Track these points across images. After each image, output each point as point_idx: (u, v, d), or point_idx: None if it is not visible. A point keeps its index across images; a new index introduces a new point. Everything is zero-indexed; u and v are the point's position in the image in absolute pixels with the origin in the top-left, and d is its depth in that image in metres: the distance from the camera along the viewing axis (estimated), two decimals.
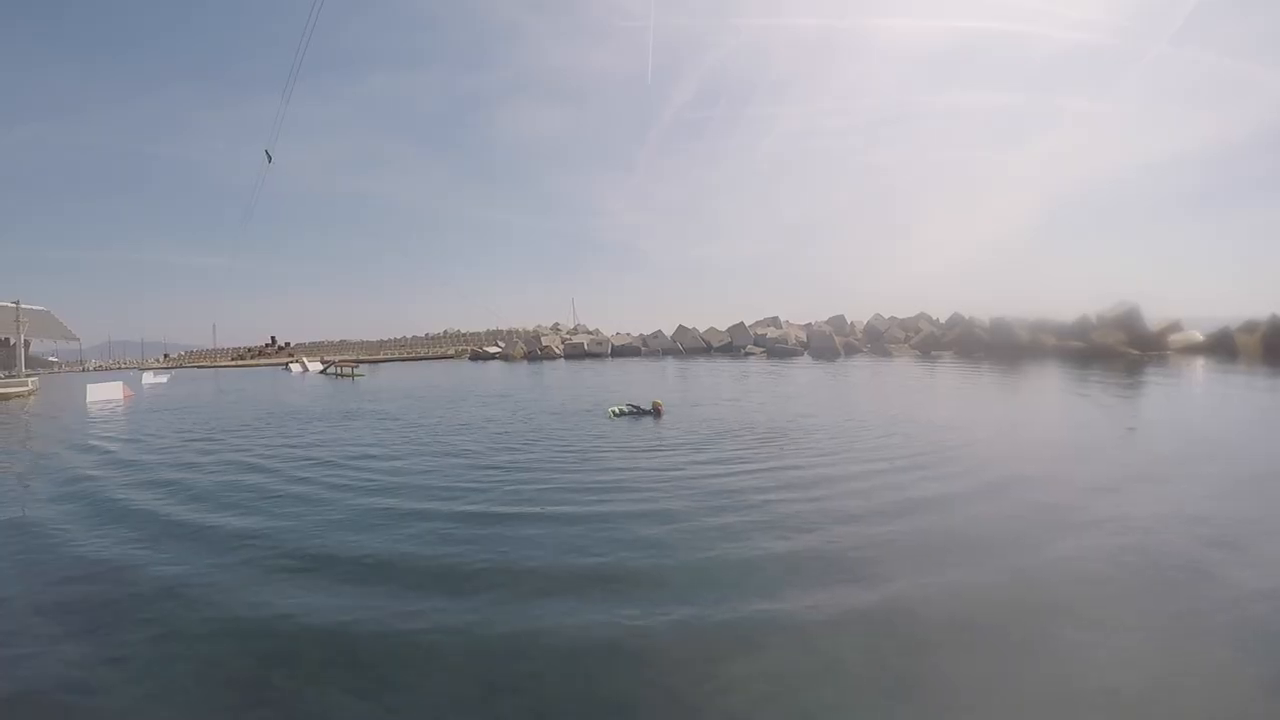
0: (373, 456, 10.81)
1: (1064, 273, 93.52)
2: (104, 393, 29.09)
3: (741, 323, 56.68)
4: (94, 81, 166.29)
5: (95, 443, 15.06)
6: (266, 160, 36.10)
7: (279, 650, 4.14)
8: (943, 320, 48.58)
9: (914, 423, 13.17)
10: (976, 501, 7.38)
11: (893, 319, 51.38)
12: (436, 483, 8.52)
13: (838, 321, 53.71)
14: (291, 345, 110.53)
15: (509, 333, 76.74)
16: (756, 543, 6.01)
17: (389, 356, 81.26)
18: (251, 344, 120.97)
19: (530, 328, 75.55)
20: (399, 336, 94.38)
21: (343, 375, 43.61)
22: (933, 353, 44.27)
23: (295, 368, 61.23)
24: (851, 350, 47.37)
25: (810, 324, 55.29)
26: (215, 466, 10.82)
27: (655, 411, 15.66)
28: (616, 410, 16.26)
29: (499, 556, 5.61)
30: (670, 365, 41.96)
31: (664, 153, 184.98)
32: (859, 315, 54.37)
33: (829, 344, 47.59)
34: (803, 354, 47.94)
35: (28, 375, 45.92)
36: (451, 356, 75.63)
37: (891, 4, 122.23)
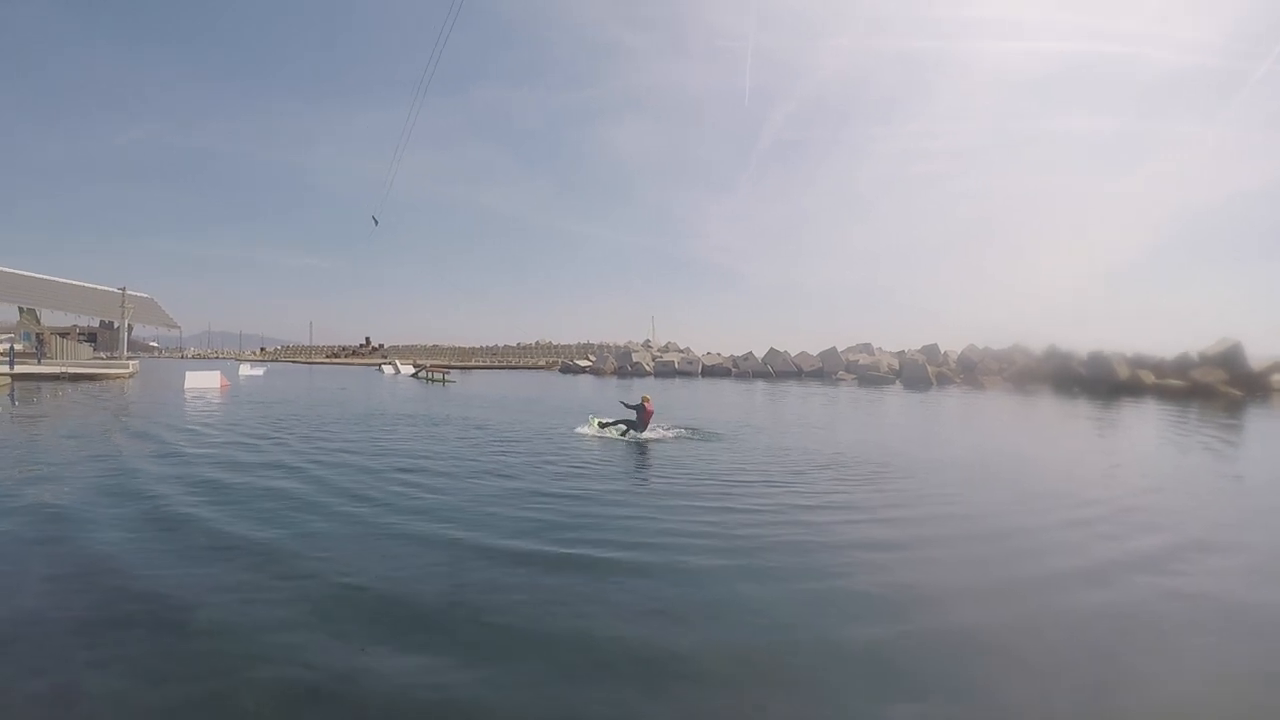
0: (451, 473, 9.87)
1: (1165, 306, 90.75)
2: (202, 380, 30.22)
3: (834, 348, 58.29)
4: (211, 90, 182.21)
5: (190, 427, 15.52)
6: (373, 224, 41.17)
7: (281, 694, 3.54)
8: (1039, 353, 49.29)
9: (1027, 463, 12.48)
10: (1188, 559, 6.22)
11: (986, 350, 52.12)
12: (510, 509, 7.58)
13: (931, 350, 54.80)
14: (385, 347, 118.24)
15: (600, 347, 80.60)
16: (906, 622, 4.64)
17: (480, 363, 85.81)
18: (346, 343, 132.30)
19: (622, 343, 79.25)
20: (491, 344, 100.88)
21: (434, 380, 44.13)
22: (1027, 386, 44.44)
23: (388, 369, 63.25)
24: (944, 380, 48.48)
25: (903, 352, 56.69)
26: (298, 465, 10.47)
27: (642, 409, 14.52)
28: (601, 422, 15.50)
29: (556, 613, 4.61)
30: (760, 388, 42.86)
31: (761, 173, 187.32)
32: (952, 345, 55.18)
33: (921, 373, 48.97)
34: (894, 382, 49.29)
35: (129, 358, 49.80)
36: (542, 367, 79.05)
37: (997, 27, 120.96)
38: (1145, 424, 21.81)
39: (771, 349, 60.84)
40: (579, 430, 15.52)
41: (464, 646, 4.12)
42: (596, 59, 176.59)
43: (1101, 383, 42.57)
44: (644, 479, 9.87)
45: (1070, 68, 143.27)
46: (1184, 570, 5.97)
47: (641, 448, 13.17)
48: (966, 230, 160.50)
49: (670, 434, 14.98)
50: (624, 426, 14.79)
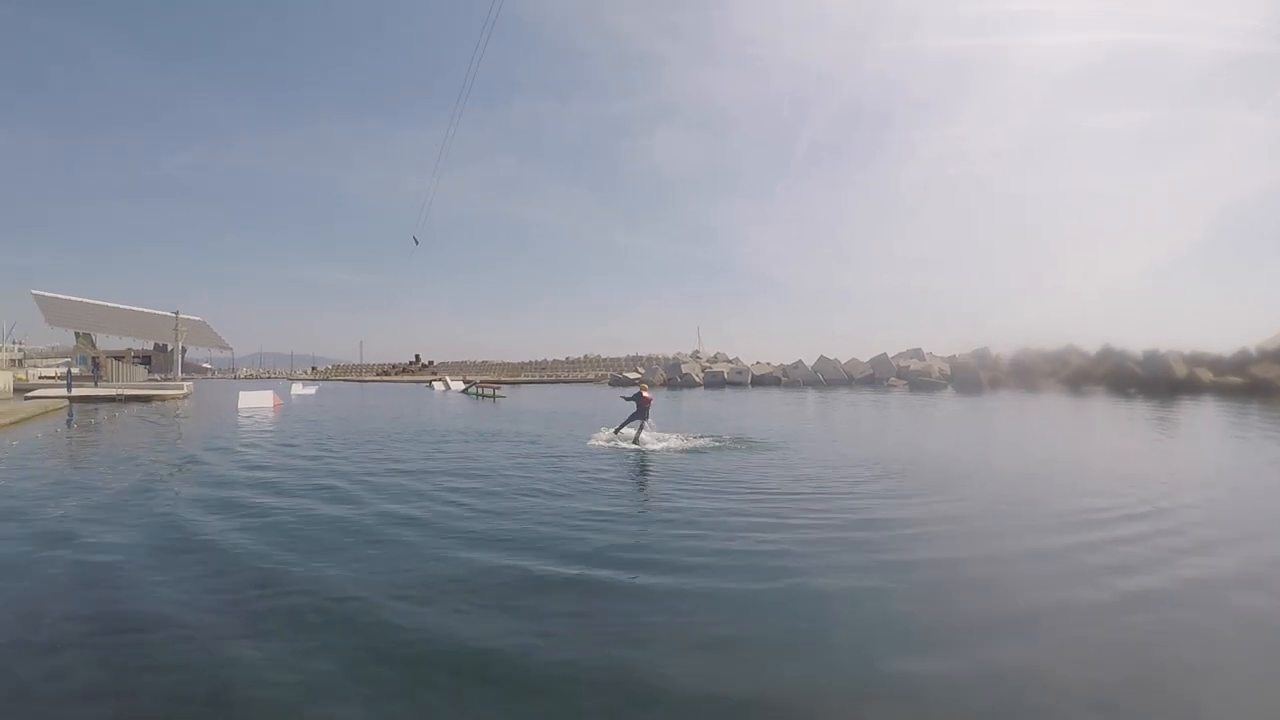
0: (500, 492, 9.53)
1: (1220, 300, 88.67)
2: (255, 400, 30.64)
3: (884, 354, 59.07)
4: (255, 111, 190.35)
5: (241, 448, 15.50)
6: (414, 243, 43.39)
7: None
8: (1092, 353, 49.49)
9: (1101, 470, 11.84)
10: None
11: (1039, 352, 52.23)
12: (561, 529, 7.27)
13: (981, 354, 54.89)
14: (435, 364, 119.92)
15: (649, 359, 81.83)
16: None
17: (529, 378, 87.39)
18: (396, 361, 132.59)
19: (670, 355, 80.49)
20: (539, 359, 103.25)
21: (484, 395, 44.10)
22: (1082, 388, 44.68)
23: (438, 386, 63.49)
24: (996, 384, 48.73)
25: (953, 356, 57.15)
26: (350, 483, 10.33)
27: (640, 397, 15.39)
28: (615, 429, 15.95)
29: (612, 644, 4.31)
30: (811, 396, 43.07)
31: (801, 179, 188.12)
32: (1003, 348, 54.86)
33: (973, 378, 49.60)
34: (946, 387, 49.81)
35: (183, 379, 52.23)
36: (591, 381, 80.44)
37: (1033, 21, 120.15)
38: (1207, 424, 21.70)
39: (822, 356, 61.88)
40: (590, 443, 15.53)
41: (519, 688, 3.79)
42: (632, 70, 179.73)
43: (1158, 382, 42.60)
44: (700, 494, 9.44)
45: (1109, 59, 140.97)
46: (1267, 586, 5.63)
47: (696, 460, 12.84)
48: (1011, 230, 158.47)
49: (715, 444, 15.11)
50: (635, 424, 15.49)
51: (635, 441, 15.08)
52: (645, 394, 15.62)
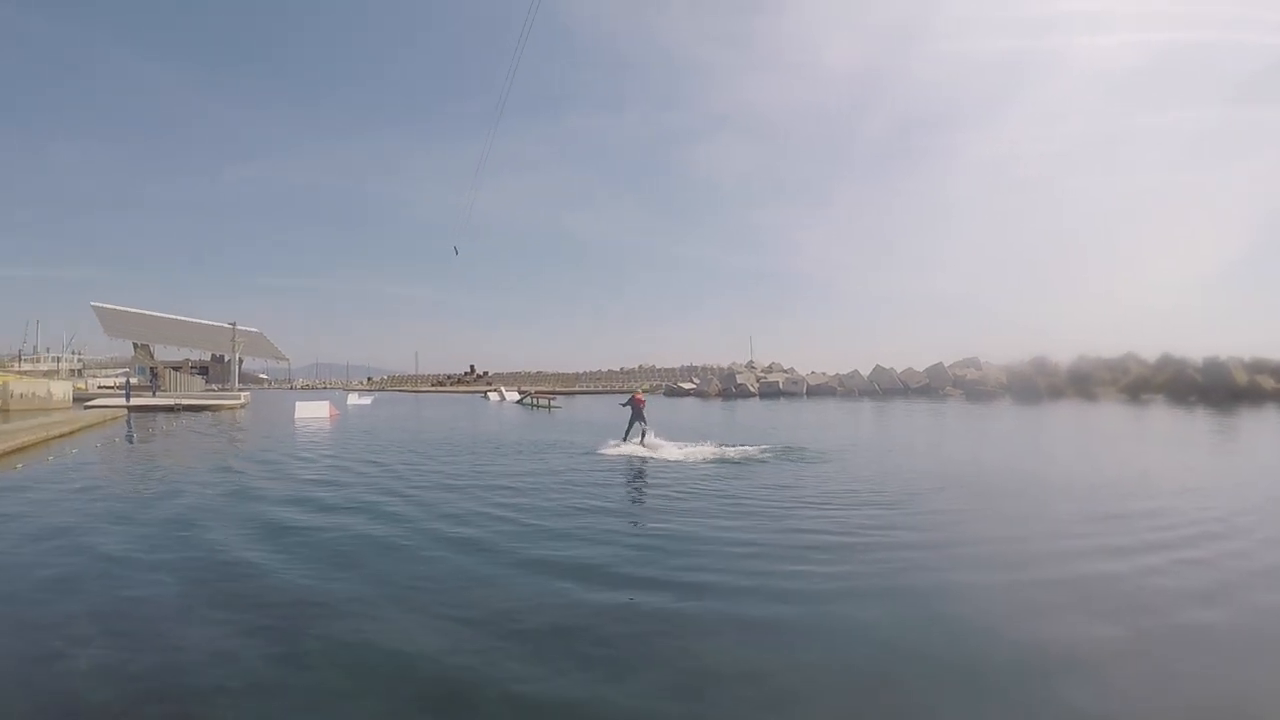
0: (552, 508, 9.25)
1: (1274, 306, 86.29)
2: (312, 410, 30.95)
3: (940, 363, 59.44)
4: (312, 125, 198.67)
5: (303, 455, 15.90)
6: (454, 253, 44.87)
7: None
8: (1151, 361, 49.55)
9: (1173, 485, 11.22)
10: None
11: (1097, 360, 52.19)
12: (613, 547, 7.01)
13: (1039, 362, 54.98)
14: (489, 374, 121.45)
15: (704, 369, 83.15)
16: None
17: (583, 389, 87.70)
18: (451, 371, 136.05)
19: (725, 364, 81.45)
20: (594, 370, 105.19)
21: (538, 406, 44.20)
22: (1142, 396, 44.87)
23: (493, 396, 63.62)
24: (1055, 393, 48.92)
25: (1010, 365, 57.02)
26: (405, 494, 10.36)
27: (633, 401, 16.51)
28: (625, 437, 16.51)
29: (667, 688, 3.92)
30: (866, 406, 42.61)
31: (853, 185, 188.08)
32: (1061, 356, 54.84)
33: (1031, 386, 50.03)
34: (1003, 396, 50.02)
35: (240, 390, 51.00)
36: (647, 391, 79.51)
37: (1085, 20, 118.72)
38: (1274, 434, 21.74)
39: (877, 366, 62.67)
40: (601, 451, 15.90)
41: None
42: (682, 79, 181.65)
43: (1219, 390, 42.73)
44: (753, 509, 9.09)
45: (1162, 57, 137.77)
46: None
47: (752, 472, 12.64)
48: (1066, 235, 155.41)
49: (769, 455, 15.10)
50: (637, 427, 16.27)
51: (642, 443, 15.98)
52: (639, 398, 16.81)
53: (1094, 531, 7.94)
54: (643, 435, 16.26)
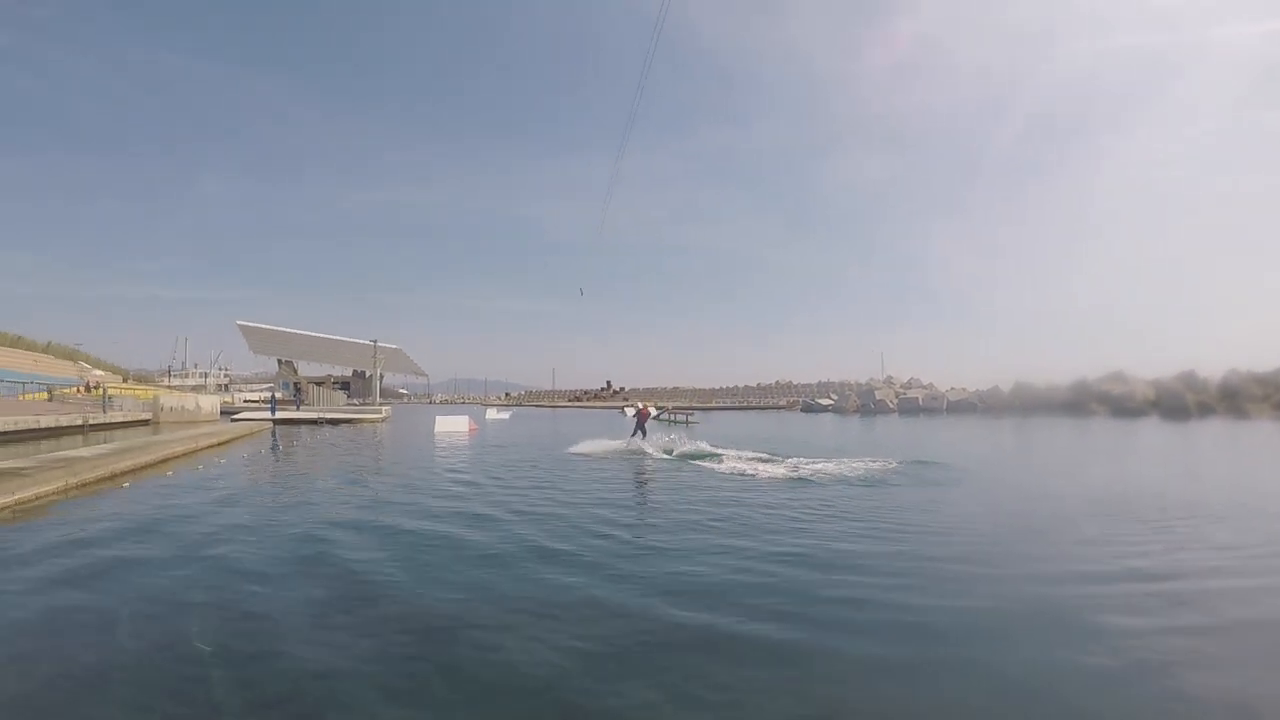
0: (694, 525, 9.05)
1: None
2: (452, 425, 31.99)
3: (1084, 379, 58.72)
4: (445, 149, 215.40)
5: (445, 468, 16.17)
6: (580, 294, 49.62)
7: None
8: None
9: None
10: None
11: (1250, 374, 50.65)
12: (736, 574, 6.55)
13: (1188, 377, 53.81)
14: (625, 389, 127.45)
15: (841, 385, 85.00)
16: None
17: (720, 404, 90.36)
18: (587, 387, 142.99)
19: (862, 380, 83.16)
20: (730, 385, 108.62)
21: (675, 421, 44.68)
22: None
23: (629, 411, 63.05)
24: (1204, 410, 48.24)
25: (1157, 380, 55.89)
26: (543, 509, 10.33)
27: (638, 413, 21.18)
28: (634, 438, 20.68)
29: None
30: (1007, 424, 41.92)
31: (990, 192, 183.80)
32: (1211, 370, 53.54)
33: (1179, 403, 49.67)
34: (1150, 414, 49.62)
35: (381, 404, 52.73)
36: (783, 407, 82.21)
37: (1228, 8, 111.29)
38: None
39: (1018, 382, 62.63)
40: (617, 445, 20.21)
41: None
42: (816, 91, 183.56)
43: None
44: (896, 534, 8.61)
45: None
46: None
47: (885, 493, 12.10)
48: (1214, 240, 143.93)
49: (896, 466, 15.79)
50: (638, 433, 21.13)
51: (640, 440, 20.63)
52: (643, 410, 22.01)
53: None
54: (642, 436, 21.22)
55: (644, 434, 21.38)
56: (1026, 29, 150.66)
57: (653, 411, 22.70)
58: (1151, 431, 34.08)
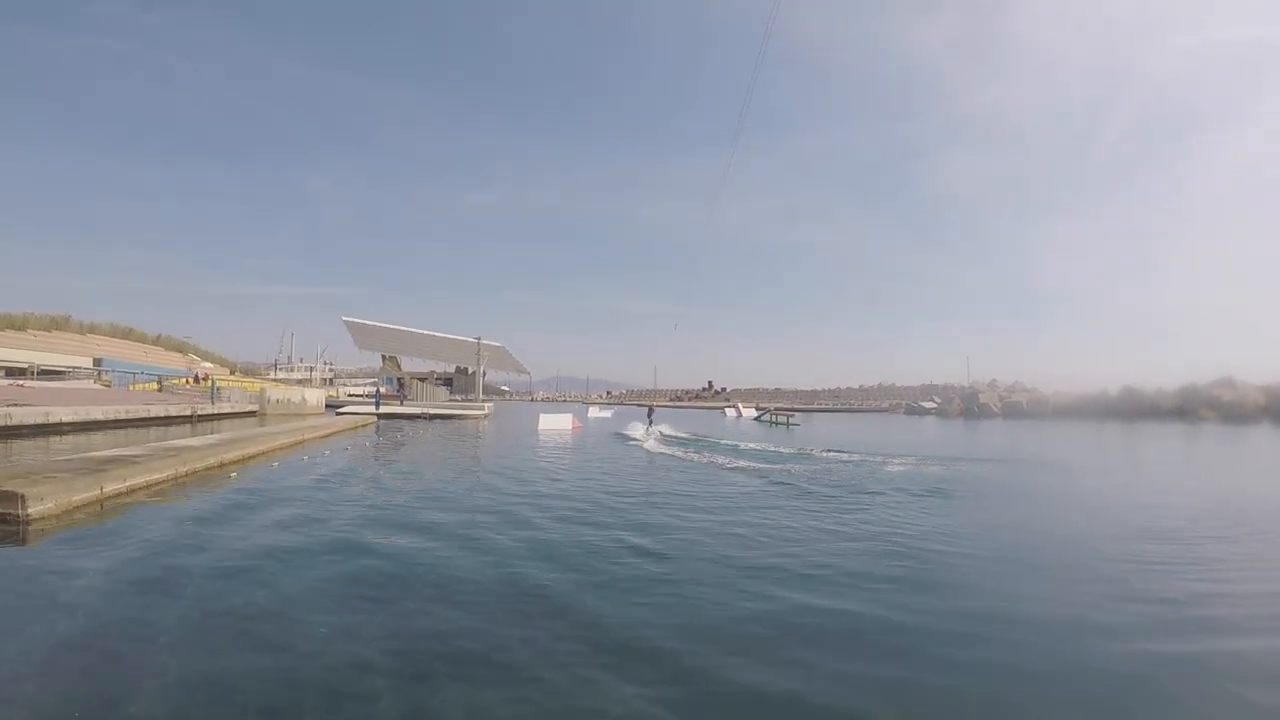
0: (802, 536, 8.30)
1: None
2: (555, 423, 32.45)
3: (1192, 384, 58.87)
4: (547, 152, 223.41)
5: (546, 465, 16.33)
6: (674, 329, 50.85)
7: None
8: None
9: None
10: None
11: None
12: (822, 597, 5.78)
13: None
14: (727, 390, 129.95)
15: (945, 388, 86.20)
16: None
17: (822, 406, 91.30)
18: (689, 387, 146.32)
19: (967, 383, 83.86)
20: (832, 387, 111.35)
21: (777, 423, 45.21)
22: None
23: (730, 412, 66.03)
24: None
25: (1268, 385, 55.34)
26: (651, 508, 10.18)
27: (650, 410, 29.56)
28: (648, 433, 26.05)
29: None
30: (1112, 429, 42.46)
31: (1094, 192, 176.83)
32: None
33: None
34: (1262, 420, 49.52)
35: (484, 400, 53.08)
36: (885, 410, 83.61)
37: None
38: None
39: (1125, 387, 63.11)
40: (634, 438, 23.80)
41: None
42: (918, 90, 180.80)
43: None
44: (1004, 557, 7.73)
45: None
46: None
47: (991, 505, 11.52)
48: None
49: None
50: (647, 423, 27.42)
51: (648, 432, 25.81)
52: (652, 406, 32.23)
53: None
54: (649, 427, 26.92)
55: (651, 426, 27.86)
56: (1130, 24, 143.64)
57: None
58: (1264, 438, 34.17)
